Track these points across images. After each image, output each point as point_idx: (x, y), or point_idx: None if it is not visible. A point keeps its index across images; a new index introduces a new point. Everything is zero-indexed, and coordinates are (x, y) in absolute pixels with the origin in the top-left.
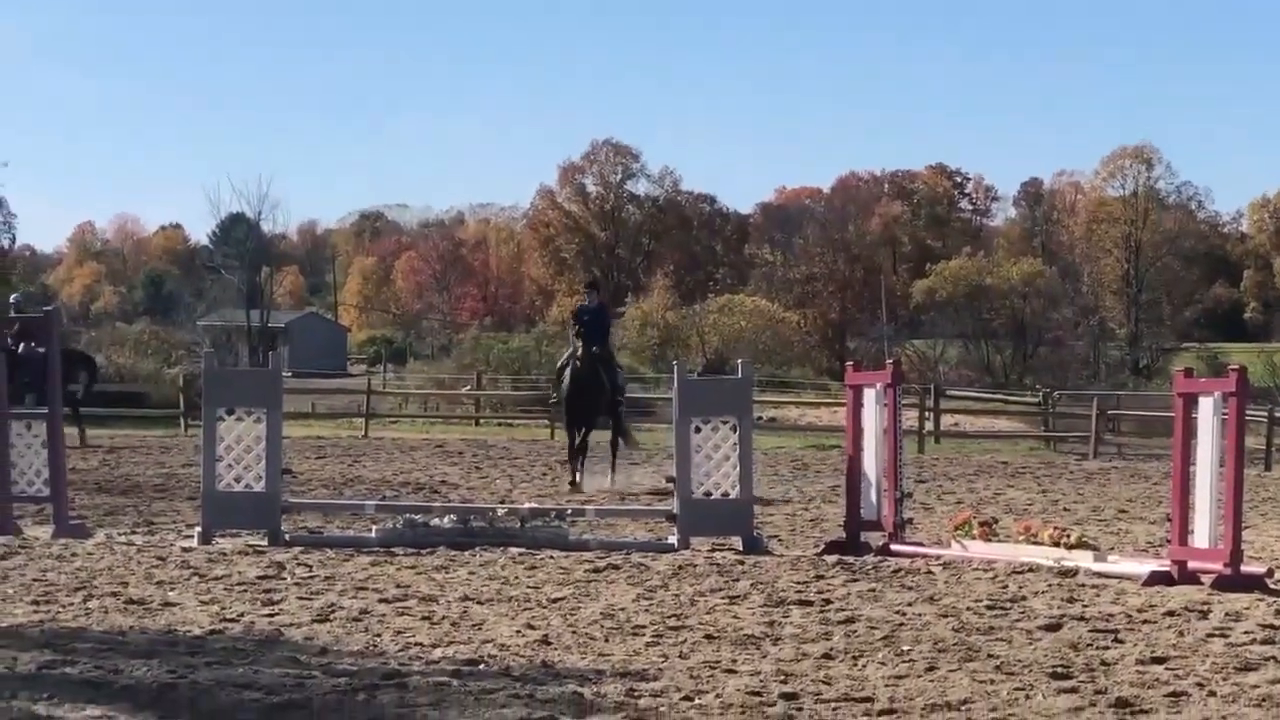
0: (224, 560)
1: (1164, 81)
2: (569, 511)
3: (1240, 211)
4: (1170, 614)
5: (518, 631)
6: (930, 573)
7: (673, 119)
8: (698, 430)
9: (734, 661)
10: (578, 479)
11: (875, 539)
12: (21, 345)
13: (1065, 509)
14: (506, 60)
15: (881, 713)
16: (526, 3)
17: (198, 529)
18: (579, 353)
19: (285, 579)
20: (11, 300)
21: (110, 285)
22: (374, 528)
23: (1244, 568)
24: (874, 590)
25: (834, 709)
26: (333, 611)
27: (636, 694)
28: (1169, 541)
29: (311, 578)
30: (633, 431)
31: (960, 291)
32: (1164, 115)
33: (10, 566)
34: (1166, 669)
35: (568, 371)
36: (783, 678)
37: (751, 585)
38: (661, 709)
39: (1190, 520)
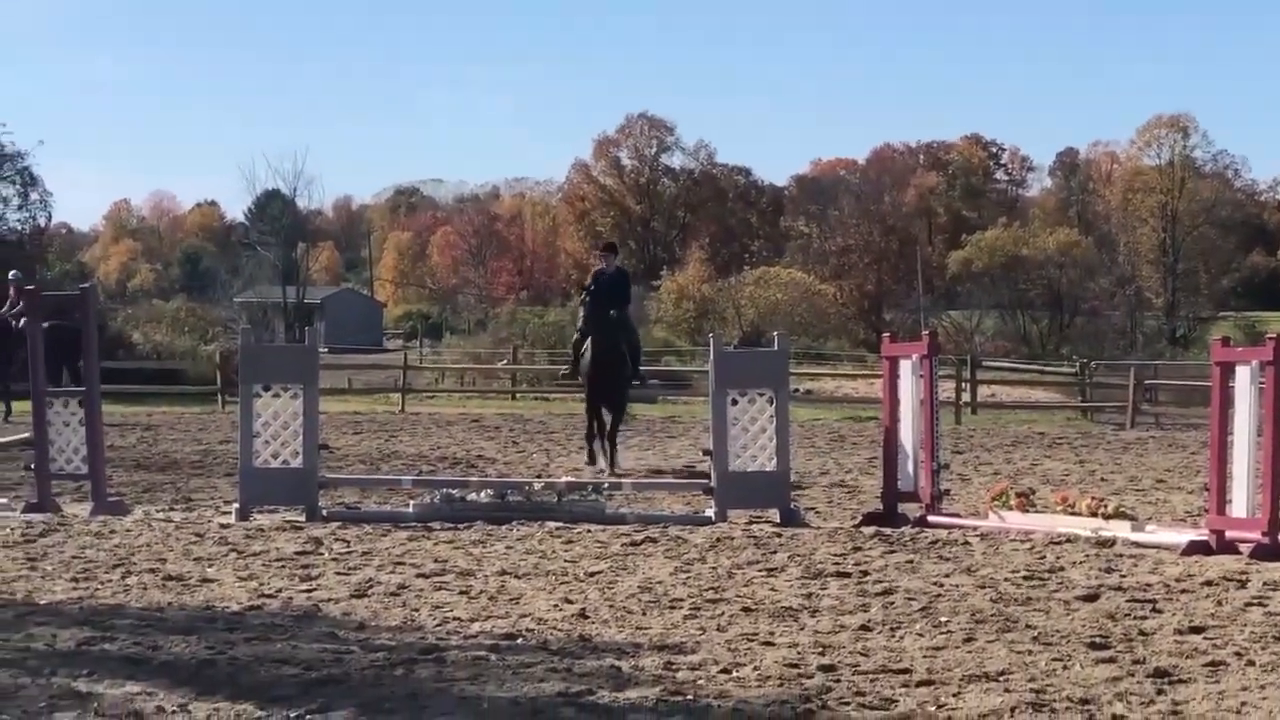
0: (261, 536)
1: (1199, 49)
2: (606, 485)
3: (1277, 179)
4: (1208, 583)
5: (555, 605)
6: (967, 544)
7: (707, 91)
8: (734, 403)
9: (772, 634)
10: (599, 462)
11: (912, 510)
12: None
13: (1102, 479)
14: (541, 33)
15: (919, 684)
16: None
17: (235, 505)
18: (600, 325)
19: (323, 554)
20: (10, 277)
21: (146, 263)
22: (411, 503)
23: None
24: (911, 561)
25: (872, 680)
26: (370, 586)
27: (674, 667)
28: (1206, 511)
29: (349, 553)
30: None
31: (996, 262)
32: (1200, 83)
33: (49, 544)
34: (1205, 638)
35: (588, 344)
36: (820, 649)
37: (789, 557)
38: (699, 682)
39: (1228, 489)
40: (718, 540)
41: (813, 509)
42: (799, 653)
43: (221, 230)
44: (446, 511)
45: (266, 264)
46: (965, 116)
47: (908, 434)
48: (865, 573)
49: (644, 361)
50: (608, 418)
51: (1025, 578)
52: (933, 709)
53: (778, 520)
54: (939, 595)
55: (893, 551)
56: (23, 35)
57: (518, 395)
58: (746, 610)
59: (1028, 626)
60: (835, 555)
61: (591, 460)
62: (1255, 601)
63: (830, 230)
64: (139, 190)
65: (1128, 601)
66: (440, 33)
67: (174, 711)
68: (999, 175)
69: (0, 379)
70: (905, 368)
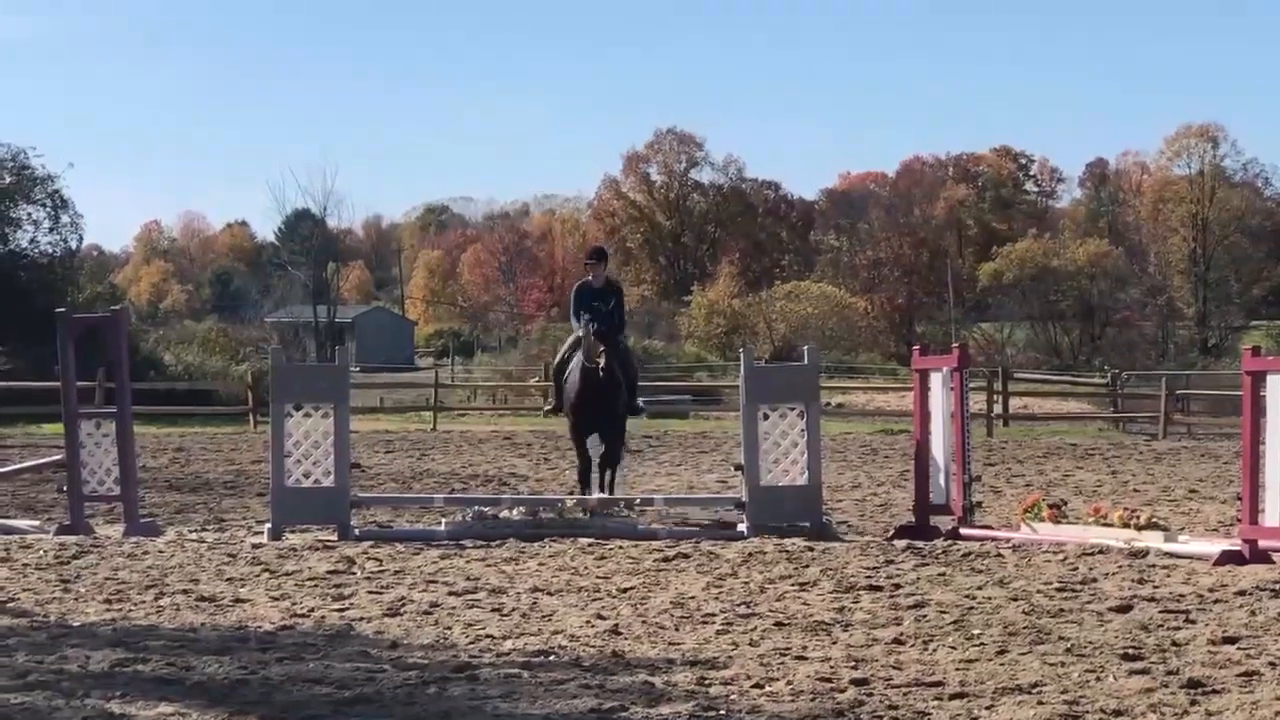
0: (294, 556)
1: (1228, 59)
2: (638, 501)
3: None
4: (1241, 593)
5: (588, 622)
6: (1000, 556)
7: (736, 106)
8: (765, 417)
9: (804, 648)
10: (587, 490)
11: (945, 523)
12: None
13: (1135, 490)
14: (569, 50)
15: (952, 696)
16: None
17: (267, 525)
18: (594, 347)
19: (355, 573)
20: None
21: (178, 283)
22: (443, 521)
23: None
24: (944, 574)
25: (905, 694)
26: (403, 605)
27: (707, 682)
28: (1239, 521)
29: (381, 572)
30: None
31: (1027, 274)
32: (1229, 93)
33: (82, 565)
34: (1238, 649)
35: (573, 367)
36: (853, 663)
37: (821, 571)
38: (732, 697)
39: (1261, 499)
40: (750, 555)
41: (845, 522)
42: (831, 667)
43: (252, 250)
44: (479, 529)
45: (297, 284)
46: (994, 128)
47: (939, 447)
48: (898, 586)
49: (674, 379)
50: (597, 453)
51: (1058, 589)
52: None
53: (810, 534)
54: (972, 608)
55: (925, 564)
56: (53, 55)
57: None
58: (779, 625)
59: (1060, 638)
60: (867, 569)
61: (583, 490)
62: None
63: (860, 244)
64: (170, 211)
65: (1160, 612)
66: (470, 51)
67: None
68: (1029, 186)
69: None
70: (936, 380)
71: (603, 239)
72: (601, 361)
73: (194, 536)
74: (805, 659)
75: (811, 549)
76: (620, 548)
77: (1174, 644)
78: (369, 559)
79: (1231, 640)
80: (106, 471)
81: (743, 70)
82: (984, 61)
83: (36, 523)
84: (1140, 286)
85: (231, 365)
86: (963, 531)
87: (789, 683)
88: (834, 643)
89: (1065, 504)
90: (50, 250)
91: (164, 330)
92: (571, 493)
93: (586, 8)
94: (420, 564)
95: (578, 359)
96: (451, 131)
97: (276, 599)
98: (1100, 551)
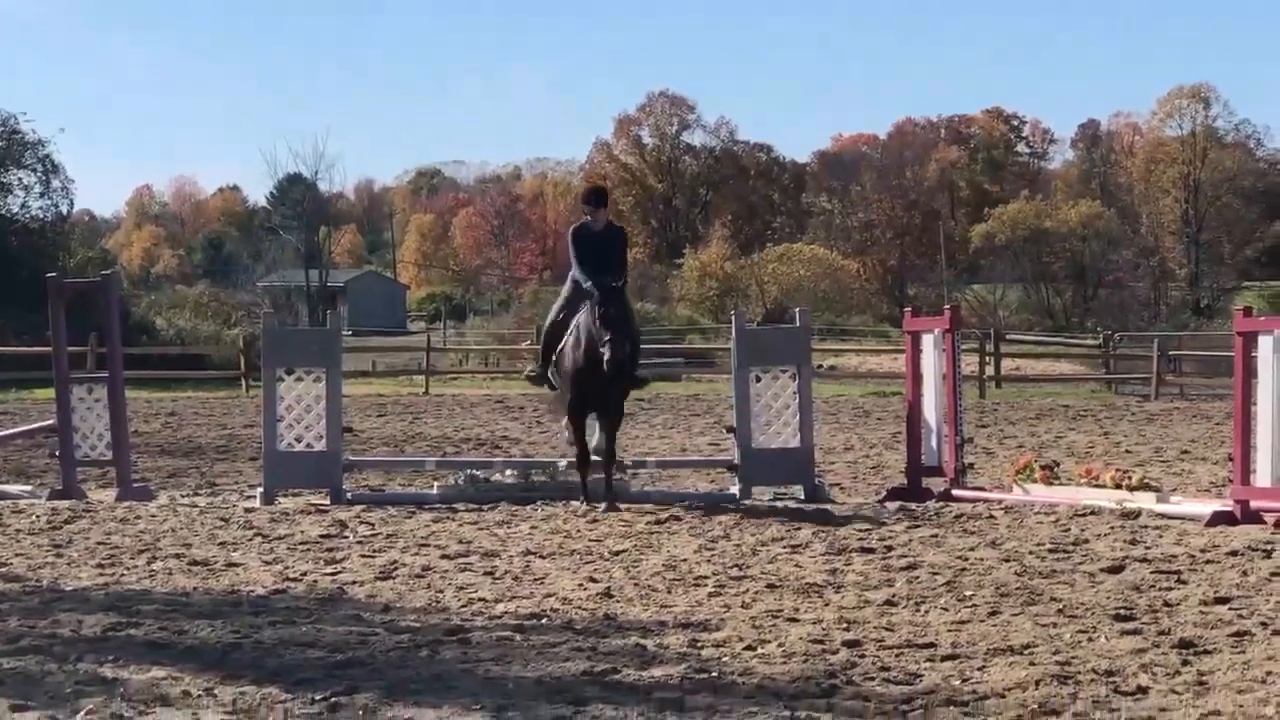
0: (286, 520)
1: (1219, 19)
2: (629, 464)
3: None
4: (1233, 554)
5: (580, 585)
6: (992, 517)
7: (728, 69)
8: (757, 380)
9: (796, 610)
10: (589, 494)
11: (937, 485)
12: None
13: (1127, 451)
14: (561, 14)
15: (944, 658)
16: None
17: (260, 489)
18: (598, 301)
19: (347, 537)
20: None
21: (169, 248)
22: (435, 484)
23: None
24: (936, 536)
25: (896, 655)
26: (395, 569)
27: (699, 644)
28: (1231, 481)
29: (374, 535)
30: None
31: (1019, 235)
32: (1221, 53)
33: (75, 530)
34: (1230, 609)
35: (574, 329)
36: (845, 625)
37: (813, 534)
38: (724, 659)
39: (1252, 460)
40: (742, 517)
41: (837, 485)
42: (823, 629)
43: (244, 215)
44: (471, 493)
45: (289, 248)
46: (986, 90)
47: (931, 409)
48: (889, 548)
49: (667, 341)
50: (595, 434)
51: (1050, 550)
52: (957, 683)
53: (802, 496)
54: (964, 569)
55: (917, 526)
56: (44, 20)
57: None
58: (771, 587)
59: (1052, 599)
60: (860, 531)
61: (588, 497)
62: None
63: (852, 206)
64: (161, 176)
65: (1152, 573)
66: (461, 15)
67: (200, 695)
68: (1020, 148)
69: None
70: (928, 342)
71: None
72: (608, 353)
73: (186, 501)
74: (797, 621)
75: (803, 511)
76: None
77: (1166, 604)
78: (361, 523)
79: (1223, 600)
80: (99, 436)
81: (734, 32)
82: (976, 23)
83: (29, 488)
84: (1132, 248)
85: (223, 330)
86: (955, 493)
87: (781, 644)
88: (826, 605)
89: (1057, 465)
90: (41, 215)
91: (156, 295)
92: (563, 455)
93: None
94: (412, 527)
95: (579, 321)
96: (443, 95)
97: (269, 563)
98: (1092, 513)
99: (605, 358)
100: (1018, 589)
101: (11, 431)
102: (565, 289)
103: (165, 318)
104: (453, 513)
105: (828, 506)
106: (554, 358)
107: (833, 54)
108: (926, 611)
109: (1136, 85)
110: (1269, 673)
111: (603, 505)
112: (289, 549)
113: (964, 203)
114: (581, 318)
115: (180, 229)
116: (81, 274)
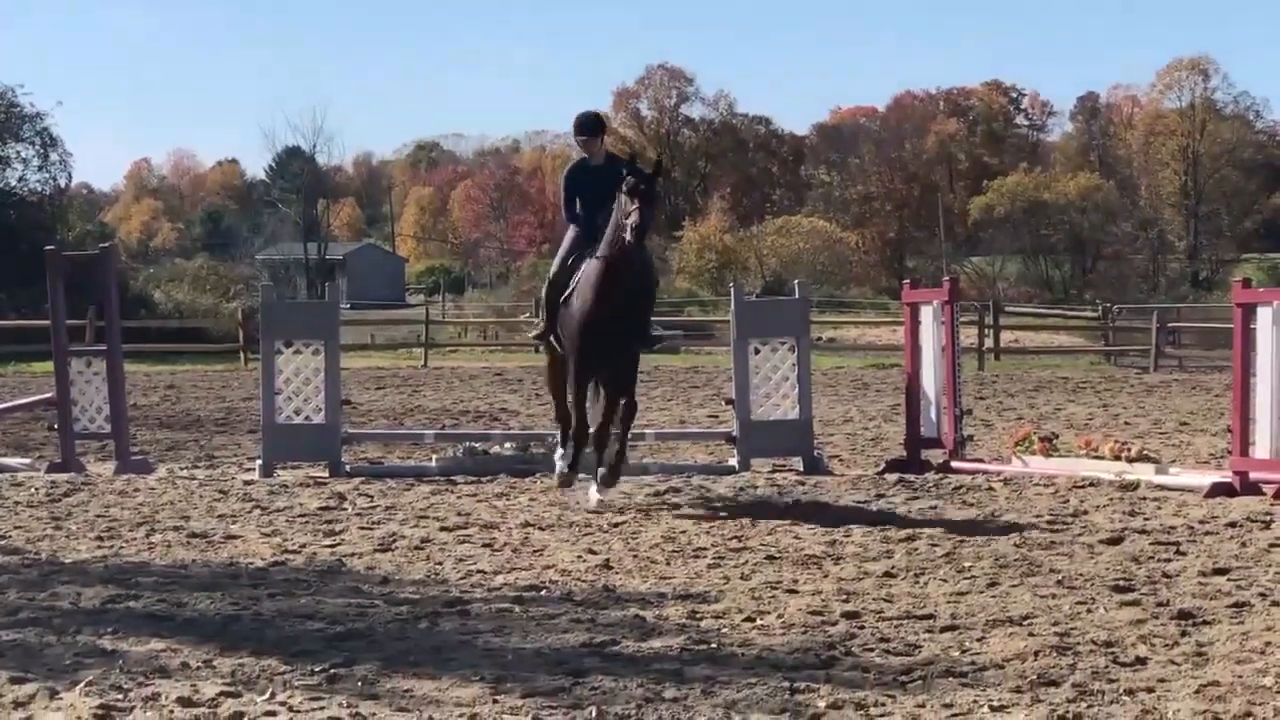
0: (285, 492)
1: None
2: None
3: None
4: (1232, 525)
5: (579, 557)
6: (991, 489)
7: (726, 41)
8: (756, 352)
9: (795, 581)
10: (575, 466)
11: (936, 457)
12: None
13: (1126, 423)
14: None
15: (943, 629)
16: None
17: (258, 462)
18: (629, 174)
19: (346, 509)
20: None
21: (168, 221)
22: (434, 457)
23: None
24: (935, 507)
25: (896, 626)
26: (394, 541)
27: (698, 616)
28: (1230, 453)
29: (372, 508)
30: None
31: (1018, 207)
32: (1220, 25)
33: (74, 503)
34: (1229, 580)
35: (580, 279)
36: (844, 596)
37: (813, 505)
38: (723, 630)
39: (1251, 431)
40: (741, 489)
41: (836, 456)
42: (823, 600)
43: (242, 188)
44: (470, 465)
45: (288, 221)
46: (985, 62)
47: (930, 381)
48: (888, 520)
49: (666, 314)
50: (598, 403)
51: (1049, 522)
52: (956, 654)
53: (801, 468)
54: (963, 541)
55: (916, 498)
56: None
57: (540, 348)
58: (770, 558)
59: (1051, 570)
60: (859, 502)
61: (568, 471)
62: (1279, 542)
63: (851, 178)
64: (159, 149)
65: (1151, 544)
66: None
67: (199, 667)
68: (1019, 120)
69: None
70: (927, 314)
71: None
72: (635, 219)
73: (185, 473)
74: (796, 592)
75: (803, 483)
76: None
77: (1165, 575)
78: (360, 495)
79: (1222, 571)
80: (97, 409)
81: (733, 4)
82: None
83: (28, 461)
84: (1131, 220)
85: (222, 303)
86: (954, 465)
87: (780, 616)
88: (825, 576)
89: (1056, 437)
90: (39, 189)
91: (154, 268)
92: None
93: None
94: (411, 500)
95: (584, 270)
96: (442, 68)
97: (268, 535)
98: (1091, 484)
99: (630, 224)
100: (1016, 560)
101: (10, 405)
102: (565, 242)
103: (164, 291)
104: (451, 485)
105: (827, 478)
106: (559, 315)
107: (832, 26)
108: (926, 583)
109: (1136, 57)
110: (1268, 643)
111: (593, 490)
112: (288, 521)
113: (963, 175)
114: (587, 266)
115: (179, 202)
116: (80, 247)
